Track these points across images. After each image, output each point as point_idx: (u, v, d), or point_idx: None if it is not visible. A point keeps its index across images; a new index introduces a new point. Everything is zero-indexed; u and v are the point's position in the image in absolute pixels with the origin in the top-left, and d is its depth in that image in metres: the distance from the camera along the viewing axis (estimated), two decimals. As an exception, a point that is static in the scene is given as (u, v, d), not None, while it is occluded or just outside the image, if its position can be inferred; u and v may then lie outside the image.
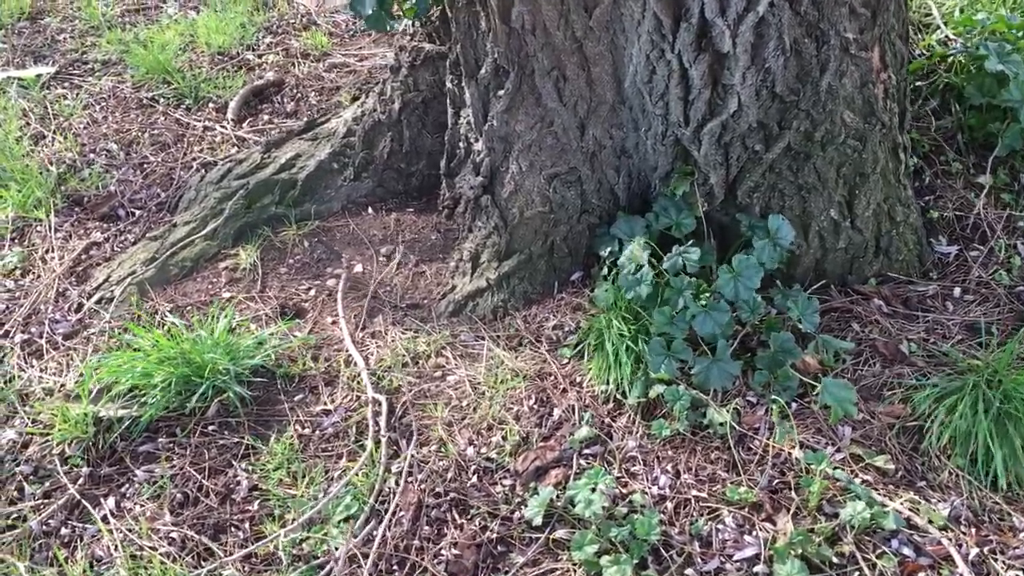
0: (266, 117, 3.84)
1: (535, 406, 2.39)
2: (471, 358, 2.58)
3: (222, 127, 3.78)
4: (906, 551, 2.00)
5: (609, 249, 2.61)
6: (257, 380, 2.53)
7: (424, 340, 2.64)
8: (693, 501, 2.13)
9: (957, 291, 2.59)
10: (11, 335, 2.78)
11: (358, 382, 2.51)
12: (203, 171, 3.42)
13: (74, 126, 3.83)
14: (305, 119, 3.71)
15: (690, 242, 2.45)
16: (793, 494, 2.11)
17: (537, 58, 2.43)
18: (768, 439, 2.23)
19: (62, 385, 2.56)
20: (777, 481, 2.16)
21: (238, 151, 3.56)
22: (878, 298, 2.56)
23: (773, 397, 2.29)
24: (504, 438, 2.31)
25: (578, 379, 2.46)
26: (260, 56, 4.32)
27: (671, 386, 2.31)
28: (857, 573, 1.96)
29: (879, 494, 2.09)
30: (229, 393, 2.44)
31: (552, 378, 2.47)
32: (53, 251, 3.12)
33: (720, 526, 2.07)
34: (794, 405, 2.31)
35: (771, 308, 2.49)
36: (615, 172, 2.64)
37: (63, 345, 2.72)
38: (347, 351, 2.61)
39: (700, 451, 2.24)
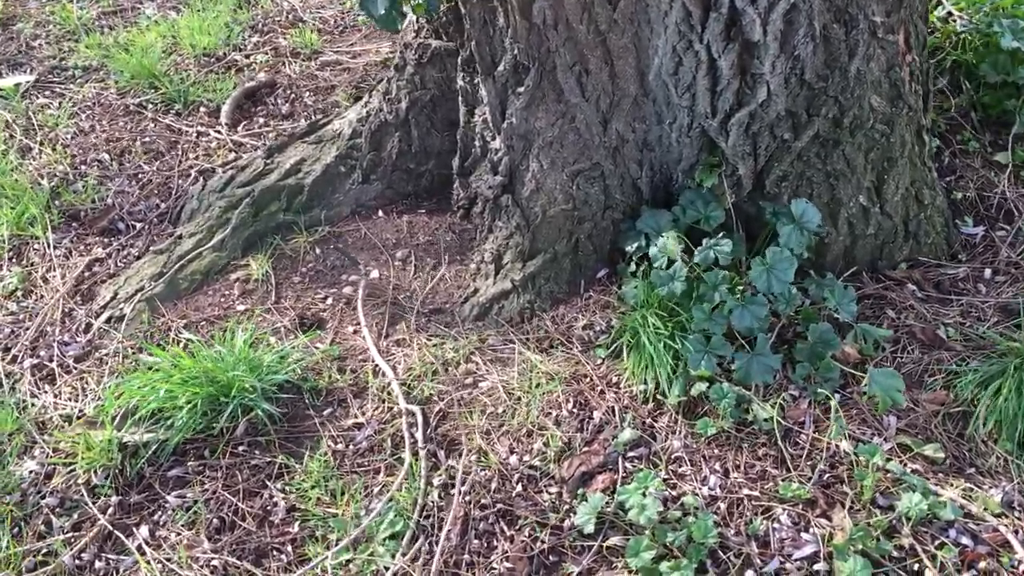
0: (261, 120, 3.73)
1: (574, 410, 2.35)
2: (502, 363, 2.52)
3: (216, 132, 3.66)
4: (964, 540, 1.98)
5: (635, 244, 2.56)
6: (283, 396, 2.45)
7: (451, 346, 2.58)
8: (745, 500, 2.10)
9: (988, 272, 2.57)
10: (19, 360, 2.67)
11: (388, 393, 2.45)
12: (202, 179, 3.32)
13: (61, 137, 3.69)
14: (303, 120, 3.62)
15: (720, 234, 2.41)
16: (846, 488, 2.09)
17: (559, 53, 2.36)
18: (814, 432, 2.21)
19: (80, 411, 2.46)
20: (828, 475, 2.13)
21: (237, 157, 3.45)
22: (910, 283, 2.54)
23: (817, 389, 2.27)
24: (546, 444, 2.27)
25: (615, 379, 2.41)
26: (248, 56, 4.19)
27: (715, 384, 2.27)
28: (917, 565, 1.94)
29: (931, 483, 2.07)
30: (257, 411, 2.36)
31: (588, 380, 2.42)
32: (54, 270, 3.01)
33: (776, 525, 2.04)
34: (837, 396, 2.28)
35: (806, 299, 2.46)
36: (638, 166, 2.58)
37: (75, 368, 2.63)
38: (373, 361, 2.54)
39: (747, 448, 2.21)
